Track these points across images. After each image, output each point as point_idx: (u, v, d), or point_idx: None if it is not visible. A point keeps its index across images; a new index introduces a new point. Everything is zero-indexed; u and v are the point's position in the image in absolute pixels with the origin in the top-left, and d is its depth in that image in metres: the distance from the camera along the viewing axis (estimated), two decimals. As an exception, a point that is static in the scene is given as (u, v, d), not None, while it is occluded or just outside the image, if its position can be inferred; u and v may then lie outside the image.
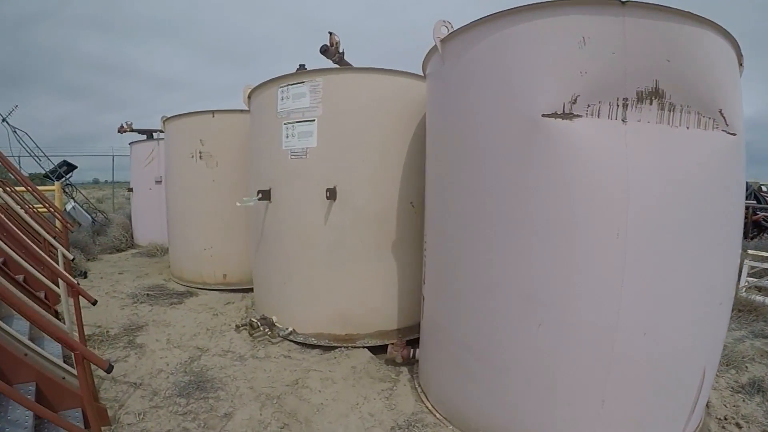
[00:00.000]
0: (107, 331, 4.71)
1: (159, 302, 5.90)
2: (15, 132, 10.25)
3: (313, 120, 4.27)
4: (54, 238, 5.49)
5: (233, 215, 6.41)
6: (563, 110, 2.22)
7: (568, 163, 2.23)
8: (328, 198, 4.16)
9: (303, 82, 4.24)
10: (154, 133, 10.13)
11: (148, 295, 6.11)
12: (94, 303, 3.67)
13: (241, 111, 6.37)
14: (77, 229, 10.20)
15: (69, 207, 10.43)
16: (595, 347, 2.33)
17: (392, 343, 3.93)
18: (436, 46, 2.80)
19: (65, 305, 3.44)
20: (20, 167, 10.90)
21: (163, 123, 7.16)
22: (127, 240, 10.02)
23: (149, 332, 4.73)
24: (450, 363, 2.99)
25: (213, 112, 6.44)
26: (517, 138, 2.36)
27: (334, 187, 4.16)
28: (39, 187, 10.98)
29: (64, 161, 10.80)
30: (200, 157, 6.44)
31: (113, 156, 15.49)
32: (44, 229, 5.63)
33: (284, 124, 4.43)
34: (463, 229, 2.73)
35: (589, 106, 2.21)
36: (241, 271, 6.55)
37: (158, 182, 9.51)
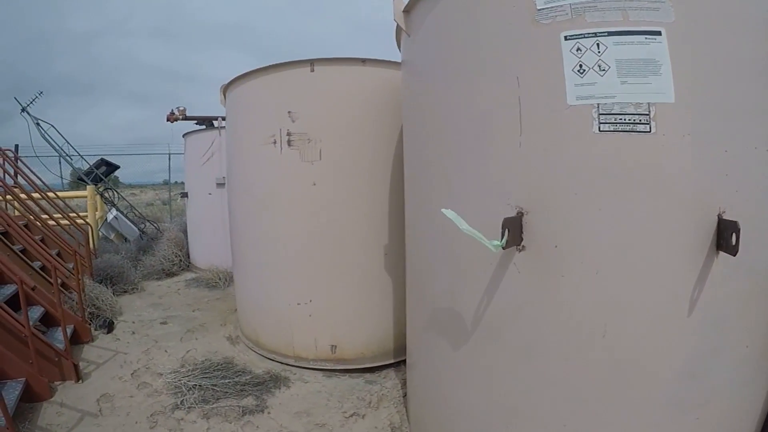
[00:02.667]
0: None
1: (221, 407, 3.20)
2: (38, 125, 8.07)
3: (659, 32, 1.46)
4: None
5: (350, 245, 3.69)
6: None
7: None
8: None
9: None
10: (214, 121, 7.67)
11: (200, 386, 3.42)
12: None
13: (365, 61, 3.65)
14: (119, 245, 7.88)
15: (110, 217, 8.16)
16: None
17: None
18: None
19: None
20: (47, 168, 8.82)
21: (223, 92, 4.53)
22: (180, 261, 7.57)
23: None
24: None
25: (312, 62, 3.69)
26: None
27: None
28: (69, 194, 8.89)
29: (102, 160, 8.51)
30: (288, 143, 3.71)
31: (169, 154, 13.33)
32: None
33: (566, 39, 1.64)
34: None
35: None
36: (364, 340, 3.80)
37: (220, 185, 6.99)
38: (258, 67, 3.88)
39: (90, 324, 4.62)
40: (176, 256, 7.57)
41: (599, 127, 1.64)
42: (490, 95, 1.94)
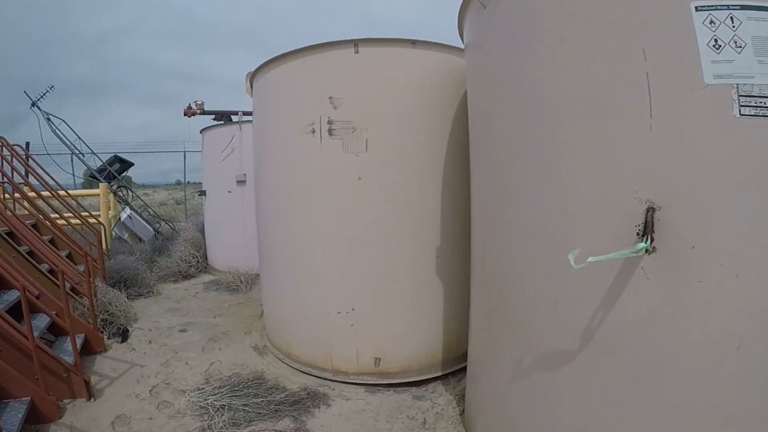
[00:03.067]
0: None
1: (255, 428, 2.77)
2: (49, 120, 7.71)
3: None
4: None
5: (398, 247, 3.28)
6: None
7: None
8: None
9: None
10: (233, 116, 7.29)
11: (229, 406, 3.00)
12: None
13: (414, 43, 3.25)
14: (133, 246, 7.52)
15: (124, 216, 7.78)
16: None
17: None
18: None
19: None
20: (60, 167, 8.48)
21: (250, 80, 4.13)
22: (198, 262, 7.17)
23: None
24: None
25: (356, 43, 3.27)
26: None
27: None
28: (81, 192, 8.53)
29: (116, 156, 8.15)
30: (329, 132, 3.29)
31: (184, 152, 12.95)
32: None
33: (697, 9, 1.51)
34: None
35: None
36: (411, 351, 3.40)
37: (241, 183, 6.59)
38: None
39: (102, 332, 4.22)
40: (193, 257, 7.17)
41: (740, 111, 1.44)
42: (611, 70, 1.64)
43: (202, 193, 7.35)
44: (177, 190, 24.47)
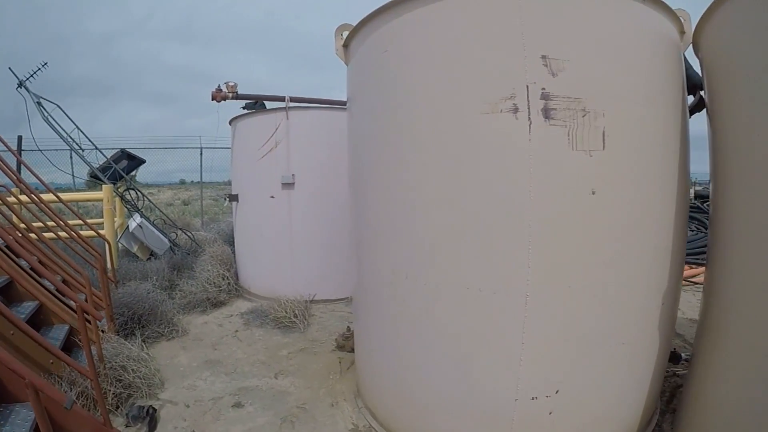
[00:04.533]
0: None
1: None
2: (39, 104, 6.17)
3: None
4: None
5: (628, 296, 1.90)
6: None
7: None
8: None
9: None
10: (268, 102, 5.83)
11: None
12: None
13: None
14: (146, 263, 6.05)
15: (133, 226, 6.29)
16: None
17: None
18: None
19: None
20: (55, 166, 6.93)
21: (349, 36, 2.71)
22: (229, 284, 5.69)
23: None
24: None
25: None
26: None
27: None
28: (77, 195, 6.91)
29: (123, 152, 6.56)
30: (545, 112, 1.84)
31: (201, 148, 11.27)
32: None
33: None
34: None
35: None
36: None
37: (288, 186, 5.12)
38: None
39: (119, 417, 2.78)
40: (223, 279, 5.70)
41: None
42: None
43: (233, 198, 5.86)
44: (182, 190, 23.08)
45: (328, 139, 5.08)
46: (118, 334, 3.86)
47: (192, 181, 14.39)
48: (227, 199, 5.92)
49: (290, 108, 5.10)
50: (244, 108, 6.10)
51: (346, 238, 3.34)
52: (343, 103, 5.09)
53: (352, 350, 3.64)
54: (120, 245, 6.62)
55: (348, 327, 4.26)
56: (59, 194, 5.48)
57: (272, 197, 5.24)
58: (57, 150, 7.32)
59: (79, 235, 4.53)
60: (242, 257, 5.96)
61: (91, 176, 6.25)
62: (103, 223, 6.11)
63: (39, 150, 7.08)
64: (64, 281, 3.76)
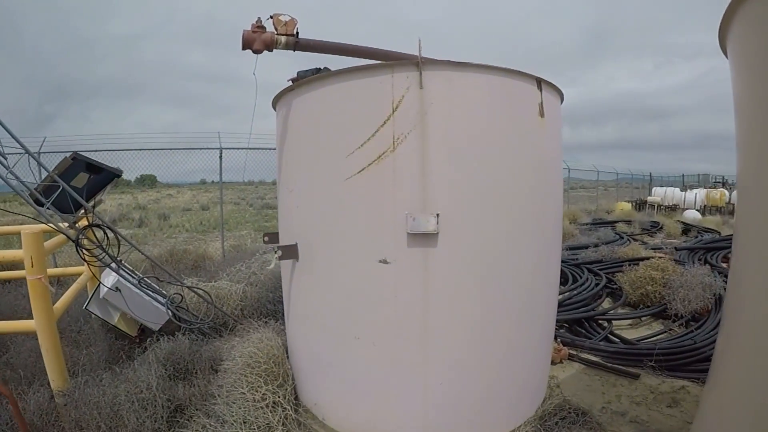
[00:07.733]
0: None
1: None
2: None
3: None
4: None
5: None
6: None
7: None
8: None
9: None
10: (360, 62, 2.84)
11: None
12: None
13: None
14: (130, 348, 3.28)
15: (104, 289, 3.51)
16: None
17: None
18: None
19: None
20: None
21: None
22: (282, 409, 2.88)
23: None
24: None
25: None
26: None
27: None
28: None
29: (76, 158, 3.40)
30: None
31: (221, 149, 8.20)
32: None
33: None
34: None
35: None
36: None
37: (423, 238, 2.28)
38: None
39: None
40: (273, 394, 2.91)
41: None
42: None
43: (288, 252, 2.93)
44: (201, 191, 20.71)
45: (515, 140, 2.20)
46: None
47: (213, 181, 11.90)
48: (276, 253, 2.95)
49: (427, 64, 2.19)
50: (295, 79, 3.11)
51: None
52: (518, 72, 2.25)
53: None
54: (92, 314, 3.84)
55: None
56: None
57: (384, 262, 2.38)
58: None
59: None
60: (309, 361, 3.08)
61: (37, 200, 3.32)
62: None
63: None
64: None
